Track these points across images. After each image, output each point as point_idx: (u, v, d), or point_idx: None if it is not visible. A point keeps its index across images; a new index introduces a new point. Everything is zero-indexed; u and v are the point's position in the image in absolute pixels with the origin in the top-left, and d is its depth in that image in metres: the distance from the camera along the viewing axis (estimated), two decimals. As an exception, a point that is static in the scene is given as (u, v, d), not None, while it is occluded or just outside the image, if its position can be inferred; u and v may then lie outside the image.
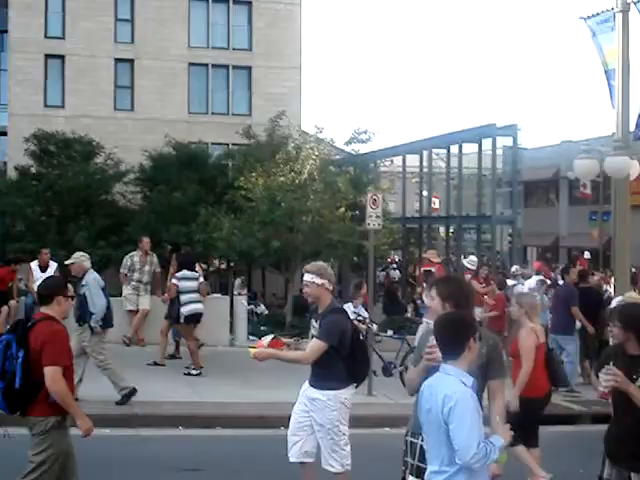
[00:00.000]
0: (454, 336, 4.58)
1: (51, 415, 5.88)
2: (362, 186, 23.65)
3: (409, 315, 17.09)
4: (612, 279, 16.37)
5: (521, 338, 8.15)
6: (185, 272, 13.92)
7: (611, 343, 8.43)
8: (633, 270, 29.76)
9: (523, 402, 7.85)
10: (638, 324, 5.62)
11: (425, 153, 30.93)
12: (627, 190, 13.84)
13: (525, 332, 8.13)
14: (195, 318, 13.84)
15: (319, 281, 6.69)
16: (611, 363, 5.58)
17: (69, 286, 6.45)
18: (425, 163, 31.38)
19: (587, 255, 31.60)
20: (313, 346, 6.67)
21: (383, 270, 33.19)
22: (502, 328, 13.83)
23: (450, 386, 4.40)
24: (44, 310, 6.08)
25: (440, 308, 5.18)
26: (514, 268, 18.46)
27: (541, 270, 17.77)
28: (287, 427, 7.22)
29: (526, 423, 7.73)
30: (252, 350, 6.82)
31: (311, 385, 6.93)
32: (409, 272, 30.43)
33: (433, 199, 34.97)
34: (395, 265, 36.27)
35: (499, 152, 29.46)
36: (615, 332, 5.85)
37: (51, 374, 5.79)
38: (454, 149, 29.20)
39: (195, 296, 13.77)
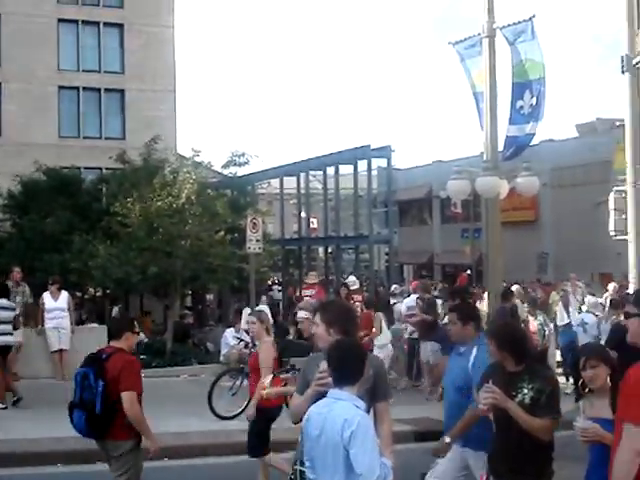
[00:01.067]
0: (353, 363, 4.59)
1: (128, 439, 6.53)
2: (240, 209, 23.62)
3: (291, 337, 17.05)
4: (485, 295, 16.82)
5: (262, 351, 8.38)
6: (2, 301, 13.45)
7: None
8: (505, 285, 30.75)
9: (261, 411, 8.14)
10: (511, 343, 5.78)
11: (302, 175, 31.19)
12: (498, 208, 14.28)
13: (265, 346, 8.39)
14: (5, 350, 13.33)
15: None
16: (490, 381, 5.71)
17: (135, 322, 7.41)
18: (302, 185, 31.64)
19: (468, 272, 32.55)
20: None
21: (266, 292, 33.07)
22: (369, 346, 13.99)
23: (348, 411, 4.38)
24: (114, 344, 6.78)
25: (325, 334, 5.15)
26: (394, 287, 18.79)
27: (418, 289, 18.10)
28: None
29: (263, 431, 8.25)
30: (263, 392, 7.51)
31: None
32: (289, 294, 30.48)
33: (311, 219, 35.26)
34: (276, 287, 36.25)
35: (374, 173, 29.99)
36: (492, 351, 5.99)
37: (128, 398, 6.42)
38: (330, 171, 29.59)
39: (9, 327, 13.30)
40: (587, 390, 5.48)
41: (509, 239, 38.20)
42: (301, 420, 4.79)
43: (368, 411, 4.86)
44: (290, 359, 12.98)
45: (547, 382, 5.63)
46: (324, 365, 4.72)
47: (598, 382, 5.38)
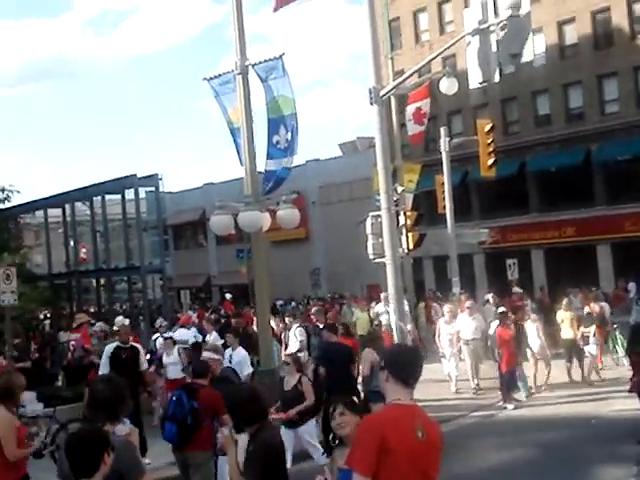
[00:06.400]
0: (88, 454, 4.38)
1: (208, 450, 8.35)
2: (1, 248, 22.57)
3: (60, 384, 16.13)
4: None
5: None
6: None
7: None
8: (280, 303, 31.38)
9: None
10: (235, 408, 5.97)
11: (67, 206, 30.15)
12: (262, 237, 14.58)
13: None
14: None
15: (216, 357, 9.48)
16: None
17: None
18: (69, 216, 30.59)
19: (228, 296, 32.82)
20: None
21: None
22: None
23: None
24: (199, 381, 8.74)
25: None
26: (159, 321, 18.04)
27: (187, 323, 17.60)
28: None
29: None
30: None
31: None
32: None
33: (81, 249, 34.13)
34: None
35: (143, 200, 29.57)
36: None
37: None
38: (98, 201, 28.87)
39: None
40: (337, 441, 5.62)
41: (281, 257, 39.26)
42: None
43: None
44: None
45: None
46: None
47: (346, 430, 5.43)
